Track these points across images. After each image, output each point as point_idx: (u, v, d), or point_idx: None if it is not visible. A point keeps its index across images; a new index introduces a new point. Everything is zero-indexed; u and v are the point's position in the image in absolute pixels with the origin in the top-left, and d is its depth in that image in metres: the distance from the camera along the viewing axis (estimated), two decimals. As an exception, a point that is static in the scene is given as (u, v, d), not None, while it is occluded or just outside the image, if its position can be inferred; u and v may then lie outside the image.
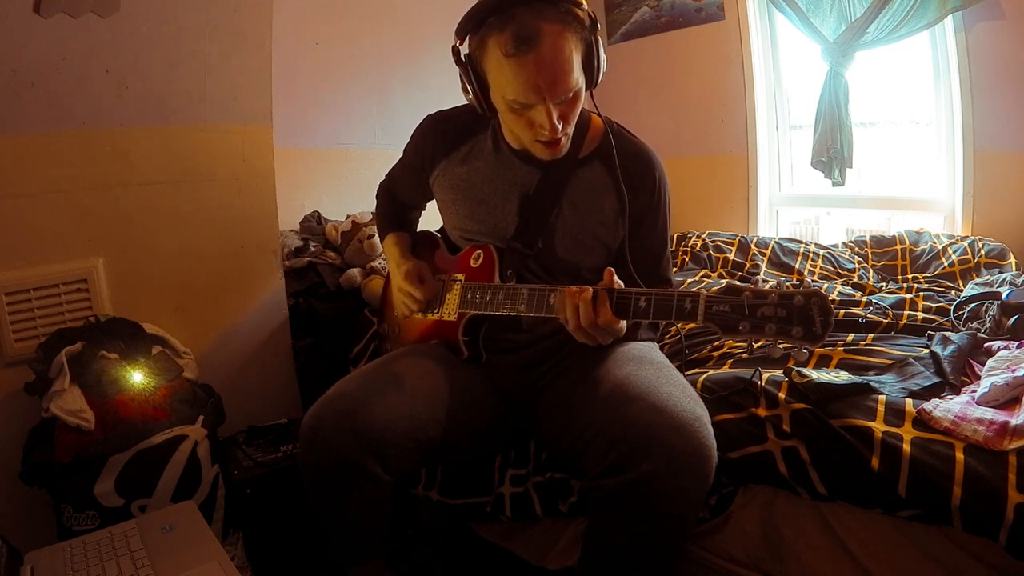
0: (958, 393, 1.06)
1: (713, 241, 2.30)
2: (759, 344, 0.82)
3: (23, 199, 1.32)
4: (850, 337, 1.35)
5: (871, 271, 2.05)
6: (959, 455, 0.89)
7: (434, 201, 1.26)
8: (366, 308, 1.69)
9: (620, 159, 1.10)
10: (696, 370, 1.26)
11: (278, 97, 1.64)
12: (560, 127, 0.98)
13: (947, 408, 0.97)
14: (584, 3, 0.96)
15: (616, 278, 0.95)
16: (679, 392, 0.95)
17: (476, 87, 0.99)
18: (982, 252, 1.86)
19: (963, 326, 1.39)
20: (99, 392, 1.24)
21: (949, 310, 1.50)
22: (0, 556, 0.89)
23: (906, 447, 0.91)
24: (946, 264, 1.91)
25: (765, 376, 1.10)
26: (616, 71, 2.72)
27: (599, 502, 0.91)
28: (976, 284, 1.64)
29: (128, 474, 1.18)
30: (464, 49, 0.99)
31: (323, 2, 2.16)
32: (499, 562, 1.23)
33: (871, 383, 1.06)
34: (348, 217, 1.89)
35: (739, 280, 2.07)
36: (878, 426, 0.96)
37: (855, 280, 1.92)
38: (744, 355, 1.30)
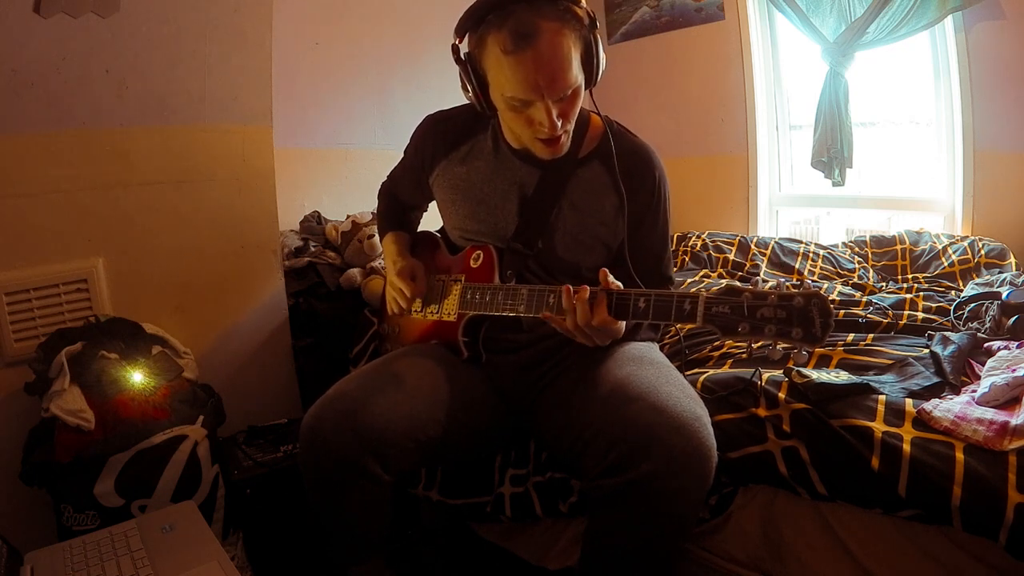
0: (958, 393, 1.06)
1: (713, 241, 2.30)
2: (759, 345, 0.82)
3: (23, 199, 1.32)
4: (850, 337, 1.35)
5: (871, 271, 2.05)
6: (959, 455, 0.89)
7: (435, 201, 1.26)
8: (366, 308, 1.69)
9: (620, 158, 1.10)
10: (696, 370, 1.26)
11: (278, 97, 1.64)
12: (560, 124, 0.98)
13: (947, 408, 0.97)
14: (583, 1, 0.96)
15: (612, 279, 0.95)
16: (679, 392, 0.95)
17: (476, 85, 0.99)
18: (982, 252, 1.86)
19: (963, 326, 1.39)
20: (99, 392, 1.24)
21: (949, 310, 1.50)
22: (0, 556, 0.89)
23: (906, 447, 0.91)
24: (946, 264, 1.91)
25: (765, 376, 1.10)
26: (616, 71, 2.72)
27: (599, 502, 0.91)
28: (976, 284, 1.64)
29: (128, 474, 1.18)
30: (463, 47, 1.00)
31: (323, 2, 2.16)
32: (499, 562, 1.23)
33: (871, 383, 1.06)
34: (348, 217, 1.89)
35: (739, 280, 2.07)
36: (878, 426, 0.96)
37: (855, 280, 1.92)
38: (744, 355, 1.30)
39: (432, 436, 1.03)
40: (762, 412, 1.05)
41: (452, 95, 1.08)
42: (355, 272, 1.80)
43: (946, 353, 1.17)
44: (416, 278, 1.18)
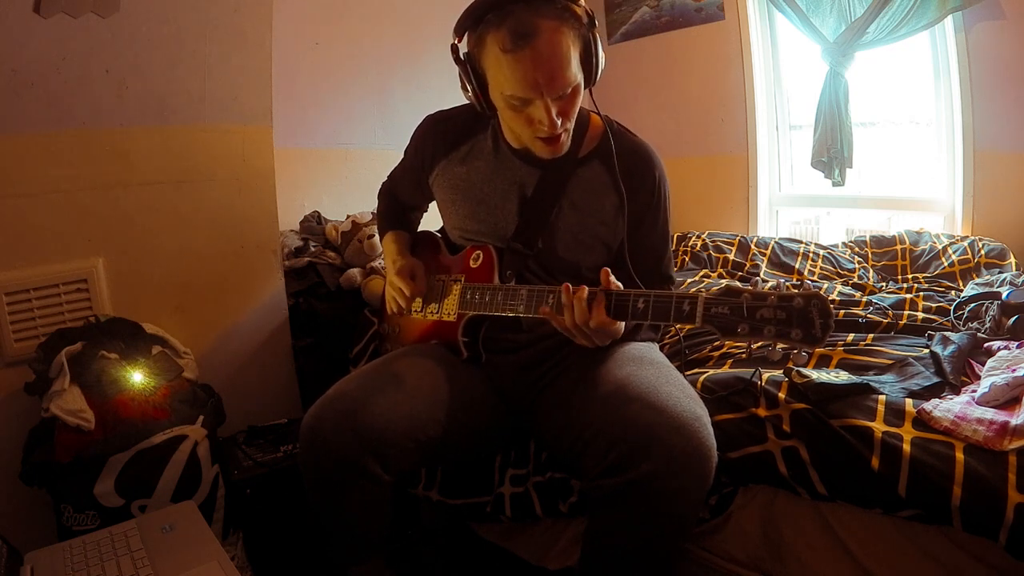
0: (958, 393, 1.06)
1: (713, 241, 2.30)
2: (758, 345, 0.82)
3: (23, 199, 1.32)
4: (850, 337, 1.35)
5: (871, 271, 2.05)
6: (959, 455, 0.89)
7: (435, 201, 1.26)
8: (366, 308, 1.69)
9: (620, 158, 1.10)
10: (696, 370, 1.26)
11: (278, 97, 1.64)
12: (559, 123, 0.98)
13: (947, 408, 0.97)
14: (582, 0, 0.96)
15: (613, 279, 0.95)
16: (679, 392, 0.95)
17: (475, 85, 1.00)
18: (982, 252, 1.86)
19: (963, 326, 1.39)
20: (99, 392, 1.24)
21: (949, 310, 1.50)
22: (0, 556, 0.89)
23: (906, 447, 0.91)
24: (946, 264, 1.91)
25: (765, 376, 1.10)
26: (616, 71, 2.73)
27: (599, 502, 0.91)
28: (976, 284, 1.64)
29: (128, 474, 1.18)
30: (463, 47, 1.00)
31: (323, 2, 2.16)
32: (499, 562, 1.23)
33: (871, 383, 1.06)
34: (348, 217, 1.89)
35: (739, 280, 2.07)
36: (878, 426, 0.96)
37: (855, 280, 1.92)
38: (744, 355, 1.30)
39: (432, 436, 1.03)
40: (762, 412, 1.05)
41: (452, 95, 1.08)
42: (355, 272, 1.80)
43: (946, 353, 1.17)
44: (416, 277, 1.18)
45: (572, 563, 1.12)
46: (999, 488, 0.83)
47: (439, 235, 1.32)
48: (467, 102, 1.06)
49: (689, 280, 2.01)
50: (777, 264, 2.14)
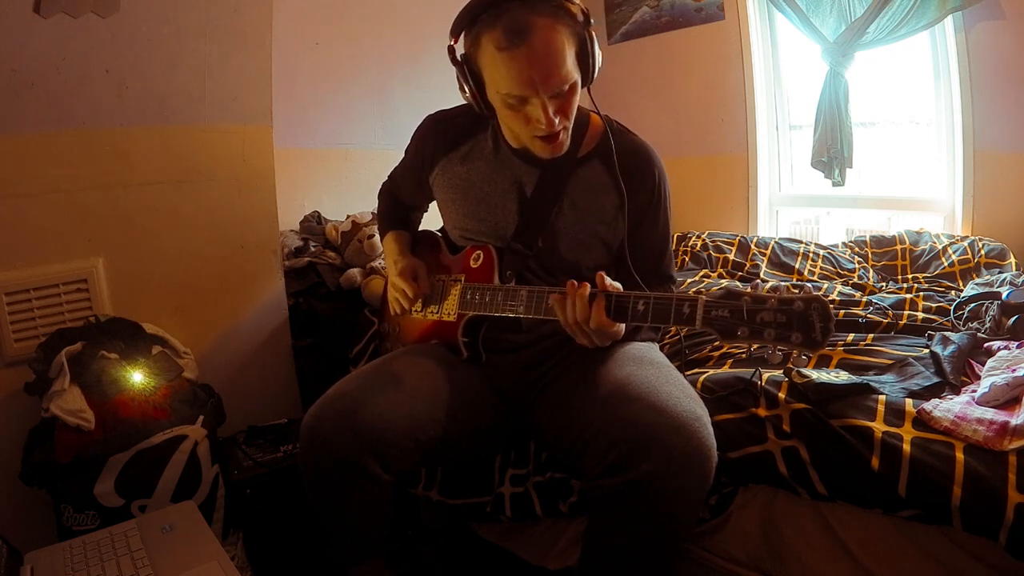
0: (958, 393, 1.06)
1: (713, 241, 2.30)
2: (758, 346, 0.82)
3: (23, 199, 1.32)
4: (850, 337, 1.35)
5: (871, 271, 2.05)
6: (959, 455, 0.89)
7: (435, 201, 1.26)
8: (366, 308, 1.69)
9: (619, 157, 1.10)
10: (696, 370, 1.26)
11: (278, 97, 1.64)
12: (557, 121, 0.98)
13: (947, 408, 0.97)
14: None
15: (609, 281, 0.95)
16: (679, 392, 0.95)
17: (472, 86, 1.00)
18: (982, 252, 1.86)
19: (963, 326, 1.39)
20: (99, 392, 1.24)
21: (949, 310, 1.50)
22: (0, 556, 0.89)
23: (906, 447, 0.91)
24: (946, 264, 1.91)
25: (765, 376, 1.10)
26: (616, 71, 2.74)
27: (599, 502, 0.91)
28: (976, 284, 1.64)
29: (128, 474, 1.18)
30: (460, 49, 1.00)
31: (323, 2, 2.16)
32: (499, 562, 1.23)
33: (871, 383, 1.06)
34: (348, 217, 1.89)
35: (739, 280, 2.07)
36: (878, 426, 0.96)
37: (855, 280, 1.92)
38: (744, 355, 1.30)
39: (432, 436, 1.03)
40: (762, 412, 1.05)
41: (452, 95, 1.08)
42: (355, 272, 1.80)
43: (946, 353, 1.17)
44: (418, 278, 1.18)
45: (572, 563, 1.12)
46: (999, 488, 0.83)
47: (439, 234, 1.32)
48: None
49: (689, 280, 2.01)
50: (777, 264, 2.14)
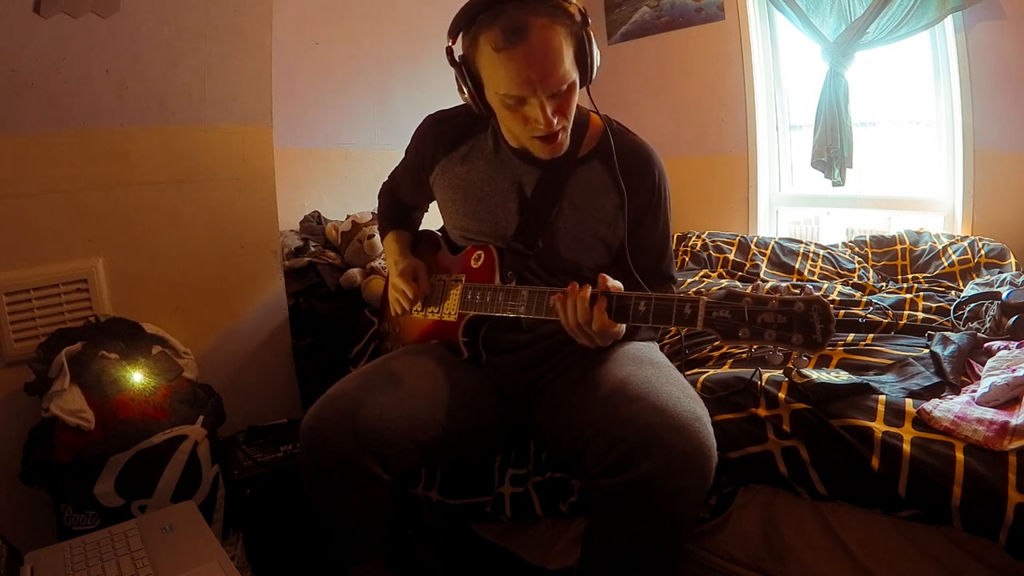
0: (958, 393, 1.06)
1: (713, 241, 2.30)
2: (758, 346, 0.82)
3: (23, 199, 1.32)
4: (850, 337, 1.35)
5: (871, 271, 2.05)
6: (959, 455, 0.89)
7: (436, 201, 1.26)
8: (366, 308, 1.69)
9: (619, 157, 1.10)
10: (696, 370, 1.26)
11: (278, 97, 1.64)
12: (556, 121, 0.97)
13: (947, 408, 0.97)
14: None
15: (612, 282, 0.95)
16: (679, 392, 0.95)
17: (471, 87, 1.00)
18: (982, 252, 1.86)
19: (963, 326, 1.39)
20: (99, 392, 1.24)
21: (949, 310, 1.50)
22: (0, 556, 0.89)
23: (906, 447, 0.91)
24: (946, 264, 1.91)
25: (765, 376, 1.10)
26: (616, 71, 2.74)
27: (599, 502, 0.91)
28: (976, 284, 1.64)
29: (128, 474, 1.18)
30: (458, 50, 1.00)
31: (323, 2, 2.16)
32: (499, 562, 1.23)
33: (871, 383, 1.06)
34: (348, 217, 1.89)
35: (739, 280, 2.07)
36: (878, 426, 0.96)
37: (855, 280, 1.92)
38: (744, 355, 1.30)
39: (432, 436, 1.03)
40: (762, 412, 1.05)
41: (452, 95, 1.08)
42: (355, 272, 1.80)
43: (946, 353, 1.17)
44: (418, 278, 1.18)
45: (572, 563, 1.12)
46: (999, 488, 0.83)
47: (440, 234, 1.32)
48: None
49: (689, 280, 2.01)
50: (777, 264, 2.14)
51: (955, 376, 1.12)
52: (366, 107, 2.31)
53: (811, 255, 2.12)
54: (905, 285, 1.86)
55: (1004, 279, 1.60)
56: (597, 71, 1.01)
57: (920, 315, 1.48)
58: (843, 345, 1.31)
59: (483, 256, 1.14)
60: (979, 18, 1.95)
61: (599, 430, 0.92)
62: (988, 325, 1.34)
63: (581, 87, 1.02)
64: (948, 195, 2.18)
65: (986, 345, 1.23)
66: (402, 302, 1.19)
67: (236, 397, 1.52)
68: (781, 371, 1.10)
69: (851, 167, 2.27)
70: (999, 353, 1.14)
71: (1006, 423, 0.90)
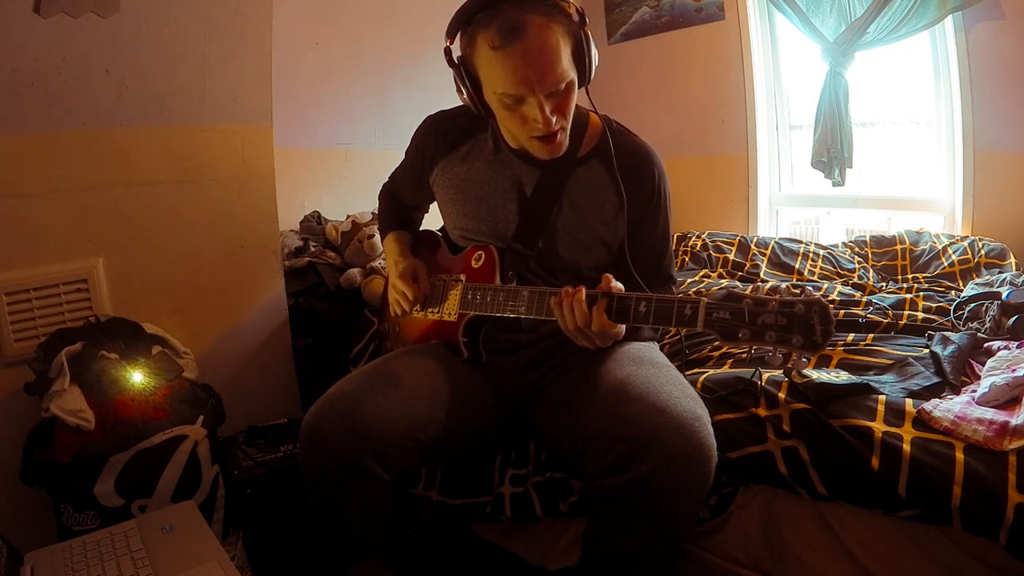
0: (958, 393, 1.06)
1: (713, 241, 2.30)
2: (757, 347, 0.82)
3: (23, 199, 1.32)
4: (850, 337, 1.35)
5: (871, 271, 2.05)
6: (959, 455, 0.89)
7: (436, 202, 1.26)
8: (366, 308, 1.69)
9: (619, 157, 1.10)
10: (696, 370, 1.26)
11: (278, 97, 1.64)
12: (554, 121, 0.97)
13: (947, 408, 0.97)
14: None
15: (615, 283, 0.95)
16: (679, 392, 0.95)
17: (470, 87, 1.00)
18: (982, 252, 1.86)
19: (963, 326, 1.39)
20: (99, 392, 1.24)
21: (949, 310, 1.50)
22: (0, 556, 0.89)
23: (906, 447, 0.91)
24: (946, 264, 1.91)
25: (765, 376, 1.10)
26: (616, 71, 2.74)
27: (599, 502, 0.91)
28: (976, 284, 1.64)
29: (128, 474, 1.18)
30: (456, 50, 1.00)
31: (323, 2, 2.16)
32: (499, 562, 1.23)
33: (871, 383, 1.06)
34: (348, 217, 1.89)
35: (739, 280, 2.07)
36: (878, 426, 0.96)
37: (855, 280, 1.92)
38: (744, 355, 1.30)
39: (432, 436, 1.03)
40: (762, 412, 1.05)
41: (452, 95, 1.08)
42: (355, 272, 1.80)
43: (946, 353, 1.17)
44: (418, 279, 1.18)
45: (572, 563, 1.12)
46: (999, 488, 0.83)
47: (440, 234, 1.32)
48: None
49: (689, 280, 2.01)
50: (777, 264, 2.14)
51: (955, 376, 1.12)
52: (366, 107, 2.31)
53: (811, 255, 2.12)
54: (905, 285, 1.86)
55: (1004, 279, 1.60)
56: (595, 71, 1.01)
57: (920, 315, 1.48)
58: (843, 345, 1.31)
59: (484, 256, 1.14)
60: (979, 18, 1.95)
61: (599, 430, 0.92)
62: (988, 325, 1.34)
63: (580, 87, 1.01)
64: (948, 195, 2.18)
65: (986, 345, 1.23)
66: (402, 303, 1.19)
67: (236, 397, 1.52)
68: (781, 371, 1.10)
69: (851, 167, 2.27)
70: (999, 353, 1.14)
71: (1006, 423, 0.90)
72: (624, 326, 0.97)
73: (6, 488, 1.28)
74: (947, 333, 1.27)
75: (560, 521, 1.15)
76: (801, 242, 2.21)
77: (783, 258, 2.14)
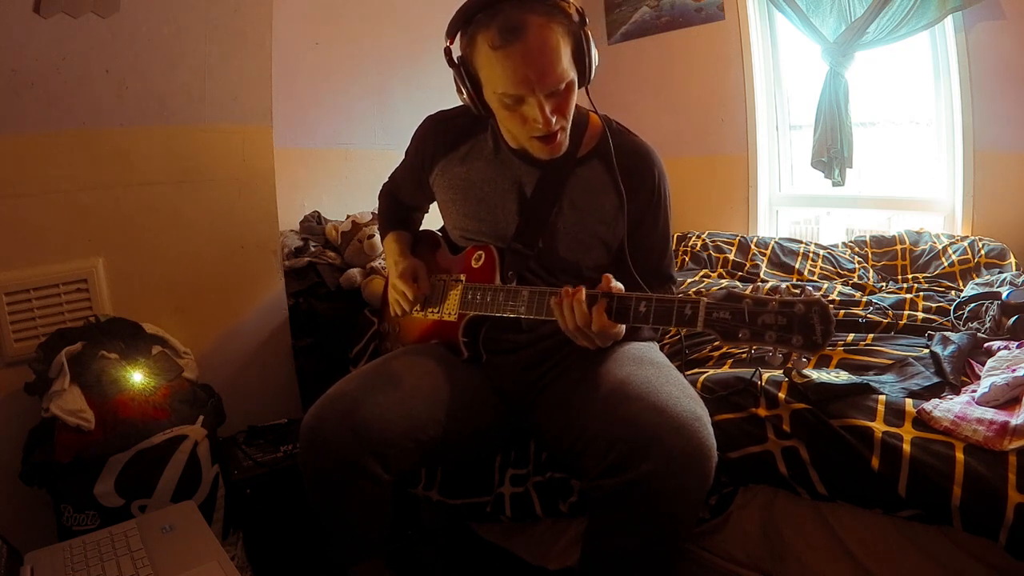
0: (958, 393, 1.06)
1: (713, 241, 2.30)
2: (757, 347, 0.82)
3: (23, 199, 1.32)
4: (850, 337, 1.35)
5: (871, 271, 2.05)
6: (959, 455, 0.89)
7: (436, 202, 1.26)
8: (366, 308, 1.69)
9: (619, 157, 1.10)
10: (696, 370, 1.26)
11: (278, 97, 1.64)
12: (554, 121, 0.97)
13: (947, 408, 0.97)
14: None
15: (615, 283, 0.95)
16: (679, 392, 0.95)
17: (470, 87, 1.00)
18: (982, 252, 1.86)
19: (963, 326, 1.39)
20: (99, 392, 1.24)
21: (949, 310, 1.50)
22: (0, 556, 0.89)
23: (906, 447, 0.91)
24: (946, 264, 1.91)
25: (765, 376, 1.10)
26: (616, 71, 2.74)
27: (599, 502, 0.91)
28: (976, 284, 1.64)
29: (128, 474, 1.18)
30: (456, 50, 1.00)
31: (323, 2, 2.16)
32: (499, 562, 1.23)
33: (871, 383, 1.06)
34: (348, 217, 1.89)
35: (739, 280, 2.07)
36: (878, 426, 0.96)
37: (855, 280, 1.92)
38: (744, 355, 1.30)
39: (432, 436, 1.03)
40: (762, 412, 1.05)
41: (452, 95, 1.08)
42: (355, 272, 1.80)
43: (946, 353, 1.17)
44: (418, 279, 1.18)
45: (572, 563, 1.12)
46: (999, 488, 0.83)
47: (440, 234, 1.32)
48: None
49: (689, 280, 2.01)
50: (777, 264, 2.14)
51: (955, 376, 1.12)
52: (366, 107, 2.31)
53: (811, 255, 2.12)
54: (905, 285, 1.86)
55: (1004, 279, 1.60)
56: (595, 71, 1.01)
57: (920, 315, 1.48)
58: (843, 345, 1.31)
59: (484, 256, 1.14)
60: (979, 18, 1.95)
61: (599, 430, 0.92)
62: (988, 325, 1.34)
63: (580, 87, 1.01)
64: (948, 195, 2.18)
65: (986, 345, 1.23)
66: (402, 303, 1.19)
67: (236, 397, 1.52)
68: (781, 371, 1.10)
69: (851, 167, 2.27)
70: (999, 353, 1.14)
71: (1006, 423, 0.90)
72: (624, 326, 0.97)
73: (6, 488, 1.28)
74: (947, 333, 1.27)
75: (560, 521, 1.15)
76: (801, 242, 2.21)
77: (783, 258, 2.14)
